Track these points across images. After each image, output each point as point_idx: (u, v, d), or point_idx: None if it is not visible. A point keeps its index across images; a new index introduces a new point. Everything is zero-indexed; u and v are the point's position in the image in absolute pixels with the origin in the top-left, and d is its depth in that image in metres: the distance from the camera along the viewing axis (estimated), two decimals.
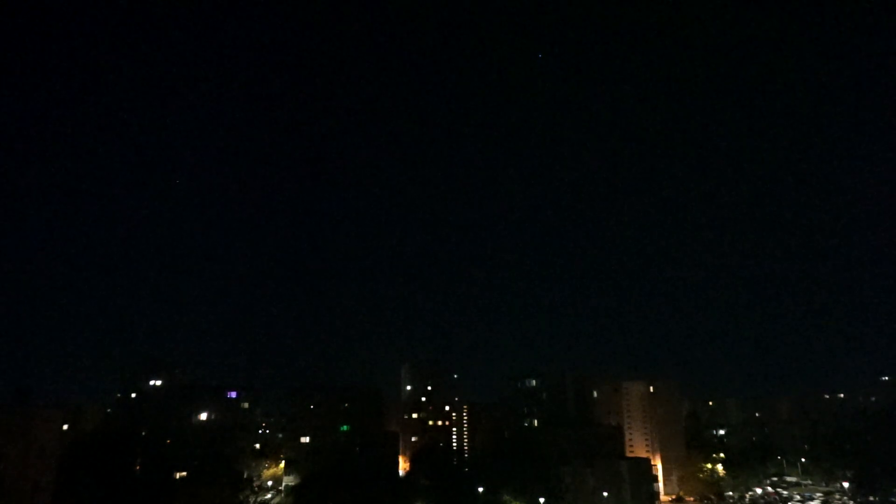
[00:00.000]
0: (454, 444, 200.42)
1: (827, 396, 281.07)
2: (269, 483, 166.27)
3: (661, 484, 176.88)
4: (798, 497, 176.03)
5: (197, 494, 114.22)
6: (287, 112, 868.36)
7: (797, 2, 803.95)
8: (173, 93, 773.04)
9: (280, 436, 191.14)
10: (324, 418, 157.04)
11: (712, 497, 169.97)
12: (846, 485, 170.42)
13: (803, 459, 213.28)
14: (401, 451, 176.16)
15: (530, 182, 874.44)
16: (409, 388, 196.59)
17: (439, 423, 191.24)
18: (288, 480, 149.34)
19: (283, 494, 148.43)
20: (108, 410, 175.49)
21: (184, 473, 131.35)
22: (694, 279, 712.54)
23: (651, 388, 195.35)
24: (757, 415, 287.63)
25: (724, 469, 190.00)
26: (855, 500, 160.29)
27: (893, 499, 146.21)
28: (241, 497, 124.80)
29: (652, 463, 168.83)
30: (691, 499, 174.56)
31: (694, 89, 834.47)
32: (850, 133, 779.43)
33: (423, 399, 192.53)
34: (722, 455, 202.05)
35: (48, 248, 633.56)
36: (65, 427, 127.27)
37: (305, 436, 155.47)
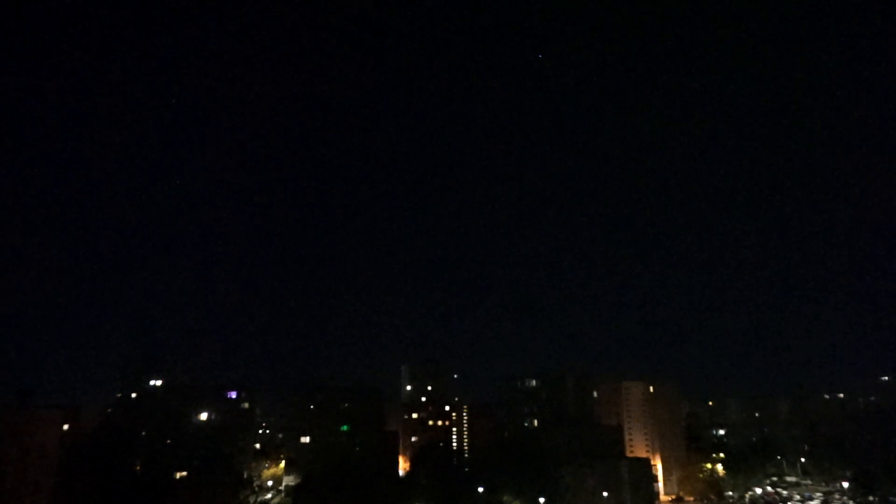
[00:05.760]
0: (454, 444, 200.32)
1: (827, 396, 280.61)
2: (269, 483, 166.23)
3: (661, 484, 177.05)
4: (798, 497, 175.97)
5: (197, 494, 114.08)
6: (287, 110, 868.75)
7: (797, 1, 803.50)
8: (170, 91, 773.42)
9: (280, 436, 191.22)
10: (324, 418, 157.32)
11: (712, 497, 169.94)
12: (846, 485, 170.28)
13: (803, 459, 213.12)
14: (401, 450, 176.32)
15: (530, 182, 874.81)
16: (408, 388, 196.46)
17: (439, 423, 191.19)
18: (288, 480, 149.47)
19: (283, 494, 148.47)
20: (108, 410, 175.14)
21: (184, 473, 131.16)
22: (694, 279, 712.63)
23: (651, 389, 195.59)
24: (757, 415, 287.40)
25: (724, 469, 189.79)
26: (855, 500, 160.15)
27: (893, 499, 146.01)
28: (241, 497, 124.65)
29: (652, 463, 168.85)
30: (691, 499, 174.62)
31: (695, 89, 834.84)
32: (850, 133, 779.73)
33: (423, 399, 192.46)
34: (722, 455, 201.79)
35: (48, 247, 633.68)
36: (65, 427, 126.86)
37: (305, 436, 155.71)
